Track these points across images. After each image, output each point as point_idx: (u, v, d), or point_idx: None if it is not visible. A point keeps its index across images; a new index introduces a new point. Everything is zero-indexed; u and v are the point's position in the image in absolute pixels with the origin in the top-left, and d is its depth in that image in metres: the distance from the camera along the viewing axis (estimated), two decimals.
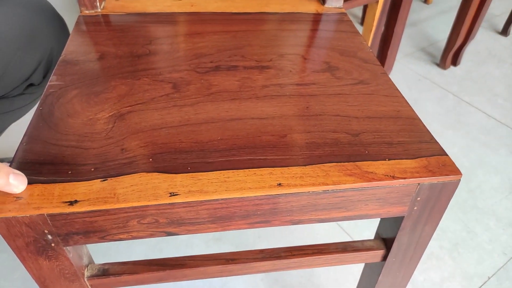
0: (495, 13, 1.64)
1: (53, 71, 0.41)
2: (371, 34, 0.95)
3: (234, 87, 0.41)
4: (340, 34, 0.50)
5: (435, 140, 0.35)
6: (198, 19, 0.51)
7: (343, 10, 0.54)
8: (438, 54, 1.38)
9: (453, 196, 0.89)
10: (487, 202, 0.91)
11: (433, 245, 0.82)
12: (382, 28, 0.96)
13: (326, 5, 0.55)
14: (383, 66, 1.07)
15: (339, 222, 0.85)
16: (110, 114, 0.37)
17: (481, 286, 0.76)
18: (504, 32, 1.52)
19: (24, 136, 0.34)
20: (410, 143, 0.35)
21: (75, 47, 0.45)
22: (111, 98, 0.38)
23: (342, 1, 0.55)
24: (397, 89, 0.41)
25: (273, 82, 0.41)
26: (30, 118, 0.36)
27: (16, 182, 0.29)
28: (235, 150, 0.34)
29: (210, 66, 0.43)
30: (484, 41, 1.47)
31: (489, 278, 0.77)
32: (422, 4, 1.74)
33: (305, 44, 0.47)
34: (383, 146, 0.34)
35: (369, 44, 0.98)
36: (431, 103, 1.18)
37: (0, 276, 0.75)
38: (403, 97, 0.40)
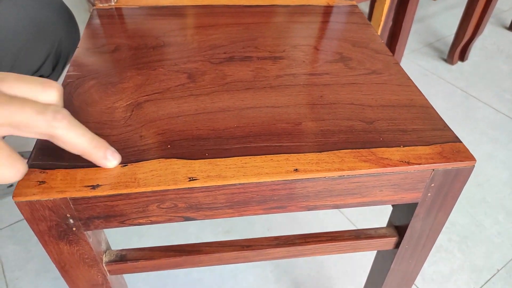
0: (503, 8, 1.64)
1: (70, 62, 0.42)
2: (379, 30, 0.95)
3: (248, 77, 0.41)
4: (352, 26, 0.50)
5: (449, 127, 0.36)
6: (211, 12, 0.52)
7: (354, 3, 0.54)
8: (446, 49, 1.38)
9: (462, 190, 0.89)
10: (496, 196, 0.91)
11: (442, 238, 0.83)
12: (390, 23, 0.97)
13: None
14: None
15: (348, 216, 0.85)
16: (128, 103, 0.37)
17: (490, 278, 0.77)
18: None
19: None
20: (424, 131, 0.35)
21: (90, 39, 0.46)
22: (128, 88, 0.39)
23: None
24: (410, 79, 0.42)
25: (287, 72, 0.42)
26: None
27: (112, 157, 0.31)
28: (252, 137, 0.34)
29: (224, 57, 0.44)
30: (491, 37, 1.47)
31: (498, 270, 0.78)
32: (429, 0, 1.73)
33: (317, 35, 0.48)
34: (398, 133, 0.35)
35: None
36: (439, 99, 1.18)
37: (15, 267, 0.76)
38: (415, 86, 0.41)
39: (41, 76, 0.66)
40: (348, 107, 0.38)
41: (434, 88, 1.21)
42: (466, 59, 1.33)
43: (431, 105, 0.38)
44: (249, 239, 0.40)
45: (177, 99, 0.38)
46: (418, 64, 1.31)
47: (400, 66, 0.44)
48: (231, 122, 0.36)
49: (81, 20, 0.59)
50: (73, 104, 0.37)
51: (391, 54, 0.45)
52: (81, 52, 0.44)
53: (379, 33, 0.97)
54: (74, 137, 0.28)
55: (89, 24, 0.49)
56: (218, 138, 0.34)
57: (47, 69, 0.66)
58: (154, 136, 0.34)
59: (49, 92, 0.29)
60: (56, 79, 0.69)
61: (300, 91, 0.40)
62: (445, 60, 1.33)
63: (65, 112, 0.28)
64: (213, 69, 0.42)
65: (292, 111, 0.37)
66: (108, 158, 0.31)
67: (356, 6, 0.54)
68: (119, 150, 0.32)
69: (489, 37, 1.47)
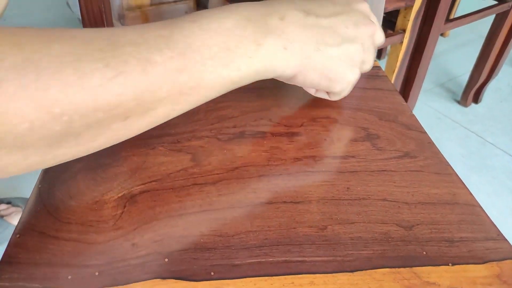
0: None
1: None
2: (393, 76, 0.90)
3: (261, 160, 0.35)
4: (376, 93, 0.45)
5: (503, 236, 0.30)
6: None
7: (377, 63, 0.49)
8: (458, 90, 1.33)
9: None
10: None
11: None
12: (404, 70, 0.92)
13: None
14: None
15: None
16: (120, 195, 0.32)
17: None
18: None
19: (18, 223, 0.29)
20: (474, 241, 0.29)
21: None
22: (121, 173, 0.33)
23: (375, 54, 0.50)
24: (449, 164, 0.36)
25: (306, 153, 0.36)
26: None
27: None
28: (267, 247, 0.28)
29: (234, 132, 0.38)
30: (505, 77, 1.43)
31: None
32: (439, 37, 1.70)
33: (338, 104, 0.42)
34: (443, 245, 0.29)
35: None
36: (454, 144, 1.12)
37: None
38: (456, 174, 0.35)
39: None
40: (381, 205, 0.32)
41: (448, 133, 1.16)
42: (480, 101, 1.28)
43: (477, 203, 0.33)
44: None
45: (178, 190, 0.32)
46: (430, 106, 1.26)
47: (436, 147, 0.38)
48: (242, 225, 0.30)
49: None
50: (55, 196, 0.31)
51: (423, 130, 0.40)
52: None
53: (393, 79, 0.92)
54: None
55: None
56: (226, 248, 0.28)
57: None
58: (149, 245, 0.28)
59: None
60: None
61: (323, 180, 0.34)
62: (458, 102, 1.28)
63: None
64: (220, 148, 0.36)
65: (315, 209, 0.31)
66: None
67: (379, 67, 0.49)
68: (105, 264, 0.26)
69: (502, 77, 1.43)
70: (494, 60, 1.18)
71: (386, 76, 0.48)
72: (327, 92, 0.39)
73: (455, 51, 1.59)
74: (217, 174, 0.34)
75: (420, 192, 0.33)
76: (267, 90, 0.44)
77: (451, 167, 0.36)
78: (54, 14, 1.79)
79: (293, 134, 0.39)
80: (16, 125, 0.21)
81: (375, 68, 0.49)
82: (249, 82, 0.32)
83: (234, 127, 0.39)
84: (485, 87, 1.26)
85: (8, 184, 0.91)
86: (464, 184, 0.34)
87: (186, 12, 1.22)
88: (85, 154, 0.28)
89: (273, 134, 0.38)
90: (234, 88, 0.32)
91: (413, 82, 0.96)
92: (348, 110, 0.42)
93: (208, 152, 0.36)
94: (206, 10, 0.30)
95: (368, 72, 0.48)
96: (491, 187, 1.00)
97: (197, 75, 0.27)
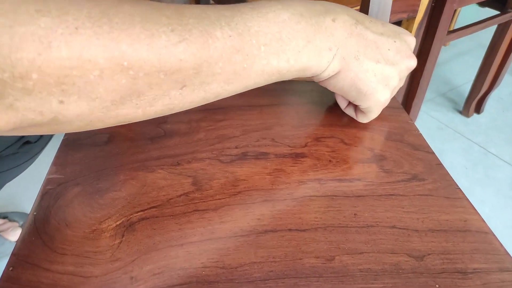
0: None
1: (53, 160, 0.36)
2: None
3: (265, 184, 0.34)
4: (382, 110, 0.44)
5: None
6: None
7: None
8: (460, 99, 1.32)
9: None
10: None
11: None
12: (407, 81, 0.91)
13: None
14: None
15: None
16: (118, 223, 0.30)
17: None
18: None
19: (11, 255, 0.28)
20: (488, 272, 0.28)
21: None
22: (119, 198, 0.32)
23: None
24: (459, 188, 0.35)
25: (311, 176, 0.35)
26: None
27: None
28: (272, 280, 0.27)
29: (236, 153, 0.37)
30: (506, 87, 1.42)
31: None
32: None
33: (343, 123, 0.41)
34: (456, 277, 0.27)
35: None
36: (456, 155, 1.11)
37: None
38: (467, 199, 0.34)
39: (27, 142, 0.59)
40: (390, 233, 0.31)
41: (450, 144, 1.15)
42: (482, 111, 1.28)
43: (489, 230, 0.31)
44: None
45: (178, 217, 0.31)
46: (432, 116, 1.25)
47: (444, 168, 0.37)
48: (245, 255, 0.28)
49: None
50: (51, 225, 0.30)
51: (431, 150, 0.39)
52: (67, 144, 0.37)
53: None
54: None
55: None
56: (229, 281, 0.27)
57: (35, 135, 0.59)
58: (148, 278, 0.27)
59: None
60: (43, 146, 0.62)
61: (329, 205, 0.32)
62: (460, 112, 1.27)
63: None
64: (222, 171, 0.35)
65: (322, 237, 0.30)
66: None
67: None
68: None
69: (504, 87, 1.42)
70: (496, 70, 1.17)
71: None
72: (355, 111, 0.40)
73: (456, 60, 1.58)
74: (219, 199, 0.33)
75: (430, 218, 0.32)
76: (268, 108, 0.43)
77: (461, 191, 0.35)
78: None
79: (297, 155, 0.37)
80: (88, 70, 0.22)
81: None
82: (292, 77, 0.33)
83: (236, 147, 0.38)
84: (487, 97, 1.25)
85: (4, 198, 0.89)
86: (476, 210, 0.33)
87: None
88: (142, 119, 0.28)
89: (276, 155, 0.37)
90: (278, 80, 0.33)
91: (415, 93, 0.95)
92: (353, 129, 0.41)
93: (210, 175, 0.35)
94: (266, 0, 0.31)
95: None
96: (495, 199, 0.99)
97: (250, 57, 0.28)
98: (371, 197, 0.33)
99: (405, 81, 0.92)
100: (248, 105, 0.44)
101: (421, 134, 0.41)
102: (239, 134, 0.39)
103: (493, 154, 1.13)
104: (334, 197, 0.33)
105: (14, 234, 0.81)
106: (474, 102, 1.24)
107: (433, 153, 0.38)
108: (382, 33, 0.35)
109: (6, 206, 0.88)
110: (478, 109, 1.28)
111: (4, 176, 0.62)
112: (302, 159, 0.37)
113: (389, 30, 0.36)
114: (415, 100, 0.97)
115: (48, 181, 0.33)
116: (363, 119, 0.40)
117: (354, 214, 0.32)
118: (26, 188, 0.91)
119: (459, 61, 1.58)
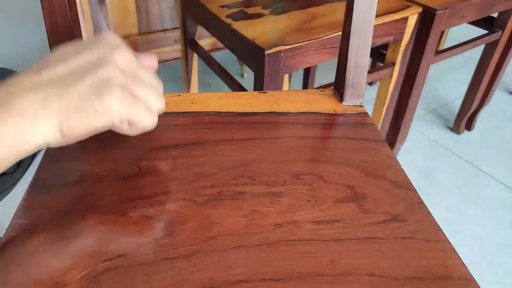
0: (507, 72, 1.60)
1: (20, 202, 0.34)
2: (383, 109, 0.89)
3: (239, 227, 0.33)
4: (363, 144, 0.43)
5: None
6: (199, 122, 0.44)
7: (364, 110, 0.48)
8: (450, 116, 1.32)
9: None
10: None
11: None
12: (395, 101, 0.91)
13: (344, 103, 0.48)
14: (396, 139, 1.00)
15: None
16: (82, 274, 0.29)
17: None
18: None
19: None
20: None
21: (51, 164, 0.38)
22: (87, 246, 0.31)
23: (363, 99, 0.48)
24: (440, 229, 0.34)
25: (288, 218, 0.34)
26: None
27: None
28: None
29: (211, 193, 0.36)
30: (497, 103, 1.42)
31: None
32: None
33: (323, 158, 0.40)
34: None
35: (382, 117, 0.91)
36: (447, 174, 1.10)
37: None
38: (448, 242, 0.33)
39: (3, 174, 0.58)
40: (368, 281, 0.29)
41: (441, 162, 1.14)
42: (473, 128, 1.27)
43: (471, 277, 0.30)
44: None
45: (146, 266, 0.30)
46: (423, 133, 1.25)
47: (426, 207, 0.36)
48: None
49: None
50: (12, 279, 0.28)
51: (413, 187, 0.38)
52: (36, 185, 0.36)
53: (383, 111, 0.90)
54: None
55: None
56: None
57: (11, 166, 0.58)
58: None
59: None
60: (20, 176, 0.61)
61: (306, 252, 0.31)
62: (451, 129, 1.27)
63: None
64: (196, 214, 0.34)
65: (296, 287, 0.29)
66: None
67: (367, 114, 0.47)
68: None
69: (494, 103, 1.42)
70: (485, 87, 1.17)
71: (373, 123, 0.46)
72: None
73: (446, 75, 1.59)
74: (191, 245, 0.31)
75: (410, 264, 0.31)
76: (248, 142, 0.42)
77: (443, 233, 0.33)
78: None
79: (275, 194, 0.36)
80: None
81: (362, 114, 0.47)
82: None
83: (212, 186, 0.37)
84: (477, 114, 1.25)
85: None
86: (457, 254, 0.32)
87: (175, 41, 1.21)
88: None
89: (253, 195, 0.36)
90: None
91: (404, 113, 0.94)
92: (333, 165, 0.40)
93: (183, 218, 0.33)
94: None
95: (355, 119, 0.46)
96: (487, 219, 0.98)
97: None
98: (350, 240, 0.32)
99: (394, 101, 0.92)
100: (228, 140, 0.42)
101: (402, 169, 0.40)
102: (216, 171, 0.38)
103: (484, 172, 1.12)
104: (312, 241, 0.32)
105: None
106: (465, 120, 1.24)
107: (414, 190, 0.37)
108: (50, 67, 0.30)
109: None
110: (469, 126, 1.27)
111: None
112: (279, 199, 0.36)
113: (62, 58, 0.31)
114: (404, 120, 0.96)
115: (12, 228, 0.32)
116: (134, 132, 0.34)
117: (331, 261, 0.31)
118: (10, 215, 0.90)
119: (449, 76, 1.58)
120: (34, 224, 0.32)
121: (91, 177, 0.37)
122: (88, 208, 0.34)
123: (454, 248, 0.32)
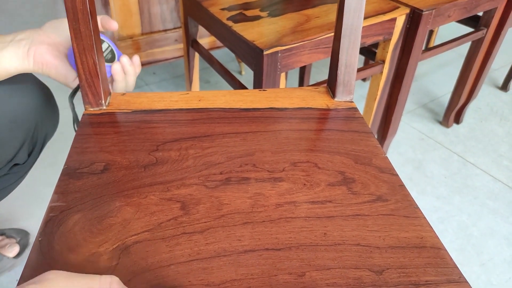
0: (494, 67, 1.66)
1: (55, 188, 0.39)
2: (375, 104, 0.94)
3: (246, 207, 0.38)
4: (353, 135, 0.48)
5: (464, 278, 0.33)
6: (207, 117, 0.50)
7: (354, 105, 0.53)
8: (440, 110, 1.38)
9: (466, 272, 0.86)
10: (501, 277, 0.88)
11: None
12: (386, 96, 0.96)
13: (336, 99, 0.54)
14: (387, 132, 1.06)
15: None
16: (114, 246, 0.34)
17: None
18: (504, 87, 1.54)
19: (20, 278, 0.32)
20: (438, 284, 0.32)
21: (79, 155, 0.43)
22: (116, 224, 0.36)
23: (353, 95, 0.54)
24: (418, 207, 0.39)
25: (287, 199, 0.39)
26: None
27: None
28: None
29: (220, 178, 0.41)
30: (484, 97, 1.48)
31: None
32: None
33: (317, 148, 0.46)
34: None
35: (373, 112, 0.97)
36: (436, 165, 1.16)
37: None
38: (424, 217, 0.38)
39: (16, 164, 0.63)
40: (355, 250, 0.35)
41: (431, 154, 1.20)
42: (461, 121, 1.33)
43: (443, 246, 0.36)
44: None
45: (168, 240, 0.35)
46: (413, 127, 1.31)
47: (406, 189, 0.41)
48: (227, 273, 0.32)
49: (64, 99, 0.56)
50: (54, 249, 0.34)
51: (395, 172, 0.43)
52: (67, 173, 0.41)
53: (375, 105, 0.96)
54: None
55: (78, 133, 0.47)
56: None
57: (23, 156, 0.62)
58: None
59: None
60: (31, 166, 0.66)
61: (303, 226, 0.37)
62: (440, 123, 1.33)
63: None
64: (208, 196, 0.39)
65: (295, 255, 0.34)
66: None
67: (356, 109, 0.52)
68: None
69: (482, 97, 1.48)
70: (472, 82, 1.22)
71: (362, 117, 0.51)
72: None
73: (437, 71, 1.65)
74: (205, 222, 0.37)
75: (391, 236, 0.36)
76: (251, 135, 0.47)
77: (420, 210, 0.39)
78: None
79: (276, 179, 0.42)
80: None
81: (352, 109, 0.52)
82: None
83: (221, 173, 0.42)
84: (465, 108, 1.31)
85: (1, 215, 0.92)
86: (431, 227, 0.37)
87: (176, 41, 1.26)
88: None
89: (257, 180, 0.41)
90: None
91: (394, 107, 1.00)
92: (326, 154, 0.45)
93: (196, 200, 0.39)
94: None
95: (346, 113, 0.52)
96: (472, 207, 1.04)
97: None
98: (340, 217, 0.38)
99: (384, 96, 0.97)
100: (233, 132, 0.48)
101: (387, 157, 0.45)
102: (223, 160, 0.44)
103: (471, 163, 1.18)
104: (307, 218, 0.38)
105: (12, 251, 0.83)
106: (454, 113, 1.30)
107: (397, 175, 0.43)
108: None
109: (3, 223, 0.91)
110: (457, 120, 1.33)
111: None
112: (279, 183, 0.41)
113: None
114: (395, 114, 1.02)
115: (50, 209, 0.37)
116: None
117: (324, 234, 0.36)
118: (22, 205, 0.95)
119: (440, 72, 1.64)
120: (69, 206, 0.38)
121: (114, 166, 0.42)
122: (114, 192, 0.39)
123: (429, 223, 0.38)
